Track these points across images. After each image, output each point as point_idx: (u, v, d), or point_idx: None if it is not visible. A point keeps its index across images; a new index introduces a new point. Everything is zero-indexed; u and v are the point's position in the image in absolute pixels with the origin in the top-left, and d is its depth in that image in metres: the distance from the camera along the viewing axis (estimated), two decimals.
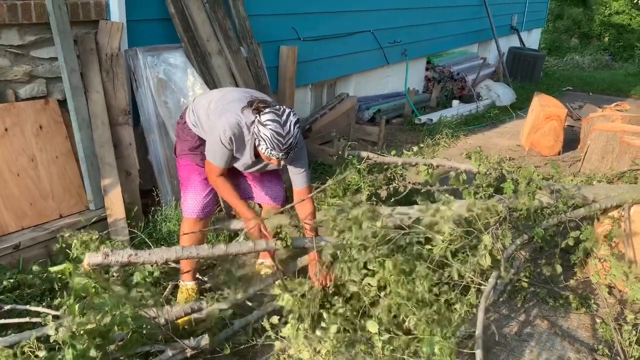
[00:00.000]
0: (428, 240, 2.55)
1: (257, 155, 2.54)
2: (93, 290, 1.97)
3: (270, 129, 2.28)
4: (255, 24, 4.43)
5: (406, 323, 2.30)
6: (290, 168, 2.63)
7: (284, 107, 2.39)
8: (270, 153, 2.34)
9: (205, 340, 2.27)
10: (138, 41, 3.60)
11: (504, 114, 7.66)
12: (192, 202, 2.71)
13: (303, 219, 2.67)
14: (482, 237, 2.48)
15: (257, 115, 2.36)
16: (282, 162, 2.50)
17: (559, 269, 2.89)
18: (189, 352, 2.24)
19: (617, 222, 3.12)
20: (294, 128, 2.32)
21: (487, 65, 9.29)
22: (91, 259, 2.04)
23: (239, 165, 2.63)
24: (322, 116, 5.47)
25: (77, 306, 1.88)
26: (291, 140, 2.32)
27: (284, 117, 2.32)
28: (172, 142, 3.63)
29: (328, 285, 2.56)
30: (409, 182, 3.66)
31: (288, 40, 4.97)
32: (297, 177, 2.64)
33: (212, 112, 2.54)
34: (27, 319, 2.21)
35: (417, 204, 2.96)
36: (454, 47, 8.92)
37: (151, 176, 3.64)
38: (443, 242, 2.42)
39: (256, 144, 2.39)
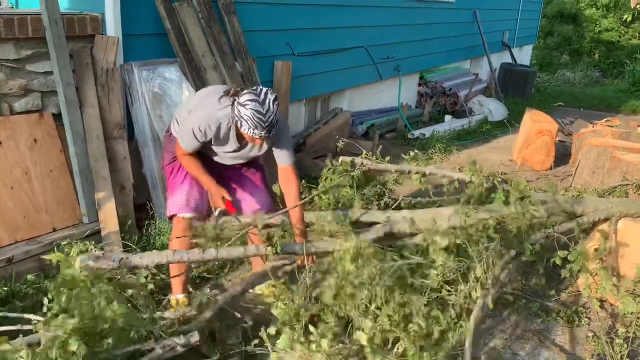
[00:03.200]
0: (419, 265, 2.57)
1: (240, 140, 2.60)
2: (82, 284, 1.95)
3: (250, 108, 2.35)
4: (250, 39, 4.47)
5: (395, 348, 2.31)
6: (275, 148, 2.68)
7: (261, 87, 2.45)
8: (253, 132, 2.40)
9: (195, 337, 2.26)
10: (134, 56, 3.63)
11: (496, 129, 7.73)
12: (177, 198, 2.74)
13: (288, 196, 2.72)
14: (472, 266, 2.49)
15: (235, 98, 2.43)
16: (266, 144, 2.58)
17: (543, 282, 2.92)
18: (179, 349, 2.23)
19: (606, 236, 3.14)
20: (273, 105, 2.39)
21: (479, 81, 9.38)
22: (82, 262, 2.04)
23: (224, 155, 2.68)
24: (315, 131, 5.51)
25: (63, 297, 1.86)
26: (272, 117, 2.39)
27: (262, 95, 2.38)
28: None
29: (312, 264, 2.58)
30: (399, 196, 3.68)
31: (282, 56, 5.02)
32: (281, 154, 2.69)
33: (190, 111, 2.60)
34: (18, 327, 2.19)
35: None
36: (447, 63, 9.02)
37: (145, 190, 3.65)
38: (436, 276, 2.44)
39: (238, 125, 2.44)
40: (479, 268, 2.46)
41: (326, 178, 3.40)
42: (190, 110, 2.58)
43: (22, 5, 4.44)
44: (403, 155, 3.71)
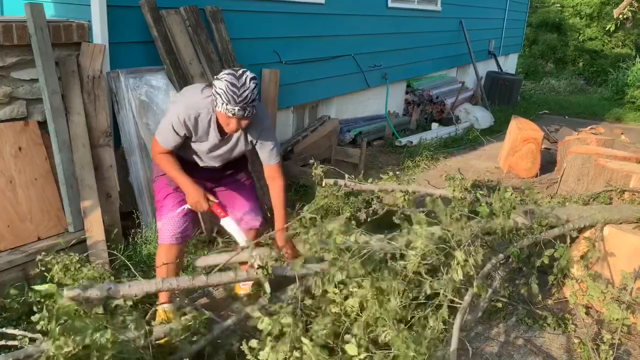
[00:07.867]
0: (403, 257, 2.57)
1: (222, 133, 2.57)
2: (74, 314, 1.94)
3: (225, 80, 2.33)
4: (237, 47, 4.47)
5: (381, 337, 2.30)
6: (259, 145, 2.66)
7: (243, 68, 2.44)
8: (226, 108, 2.34)
9: None
10: (120, 63, 3.61)
11: (483, 136, 7.79)
12: (165, 228, 2.68)
13: (272, 191, 2.74)
14: (454, 254, 2.49)
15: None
16: (250, 137, 2.57)
17: (535, 288, 2.93)
18: None
19: (592, 243, 3.17)
20: (249, 82, 2.36)
21: (465, 89, 9.45)
22: (69, 293, 2.01)
23: (206, 157, 2.65)
24: (303, 138, 5.51)
25: (57, 329, 1.84)
26: (247, 93, 2.34)
27: (240, 71, 2.38)
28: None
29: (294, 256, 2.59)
30: (387, 204, 3.69)
31: (270, 64, 5.02)
32: (265, 152, 2.69)
33: (172, 104, 2.60)
34: (2, 342, 2.16)
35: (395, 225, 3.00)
36: (434, 71, 9.08)
37: (131, 198, 3.62)
38: (415, 256, 2.42)
39: (214, 106, 2.41)
40: (459, 253, 2.44)
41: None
42: (173, 103, 2.57)
43: (7, 12, 4.41)
44: (384, 174, 3.73)
